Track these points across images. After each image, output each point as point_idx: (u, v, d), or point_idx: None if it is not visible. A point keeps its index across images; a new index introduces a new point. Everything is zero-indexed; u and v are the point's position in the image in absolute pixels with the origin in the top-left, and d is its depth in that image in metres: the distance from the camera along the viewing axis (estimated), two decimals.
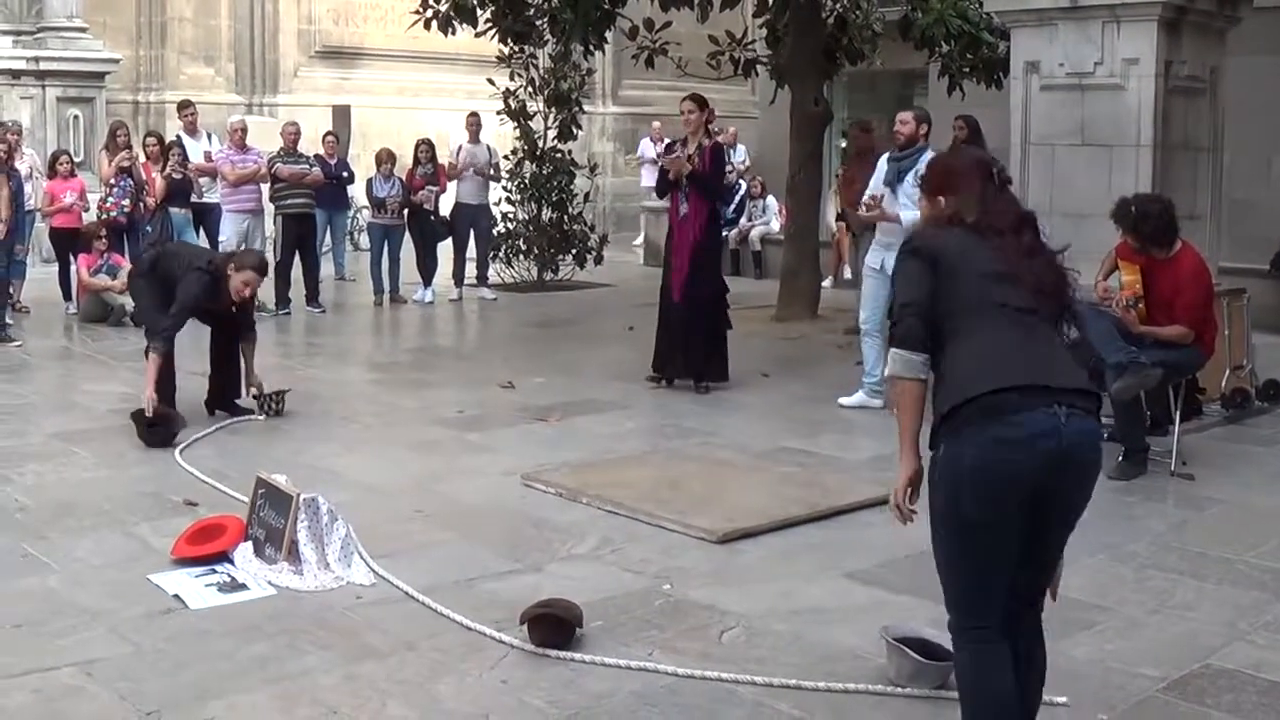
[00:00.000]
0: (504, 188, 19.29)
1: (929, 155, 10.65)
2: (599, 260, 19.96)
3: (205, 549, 6.89)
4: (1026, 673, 4.49)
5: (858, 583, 6.74)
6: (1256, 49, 14.84)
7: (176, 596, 6.40)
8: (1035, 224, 4.63)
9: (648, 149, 25.23)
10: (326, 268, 19.18)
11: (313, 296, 16.72)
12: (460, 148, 18.40)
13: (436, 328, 16.35)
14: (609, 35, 16.88)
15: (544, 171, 19.52)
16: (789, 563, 7.05)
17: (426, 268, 17.85)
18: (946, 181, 4.70)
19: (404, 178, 17.91)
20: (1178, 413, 9.27)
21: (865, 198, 11.12)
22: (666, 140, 16.99)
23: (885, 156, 11.27)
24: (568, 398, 11.29)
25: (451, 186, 18.33)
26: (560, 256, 19.72)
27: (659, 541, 7.35)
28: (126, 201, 15.96)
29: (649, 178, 21.89)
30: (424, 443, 9.76)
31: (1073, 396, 4.32)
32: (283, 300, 16.32)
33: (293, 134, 17.31)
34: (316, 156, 17.99)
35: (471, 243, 18.34)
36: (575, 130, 19.93)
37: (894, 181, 10.84)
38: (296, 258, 16.65)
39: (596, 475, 8.56)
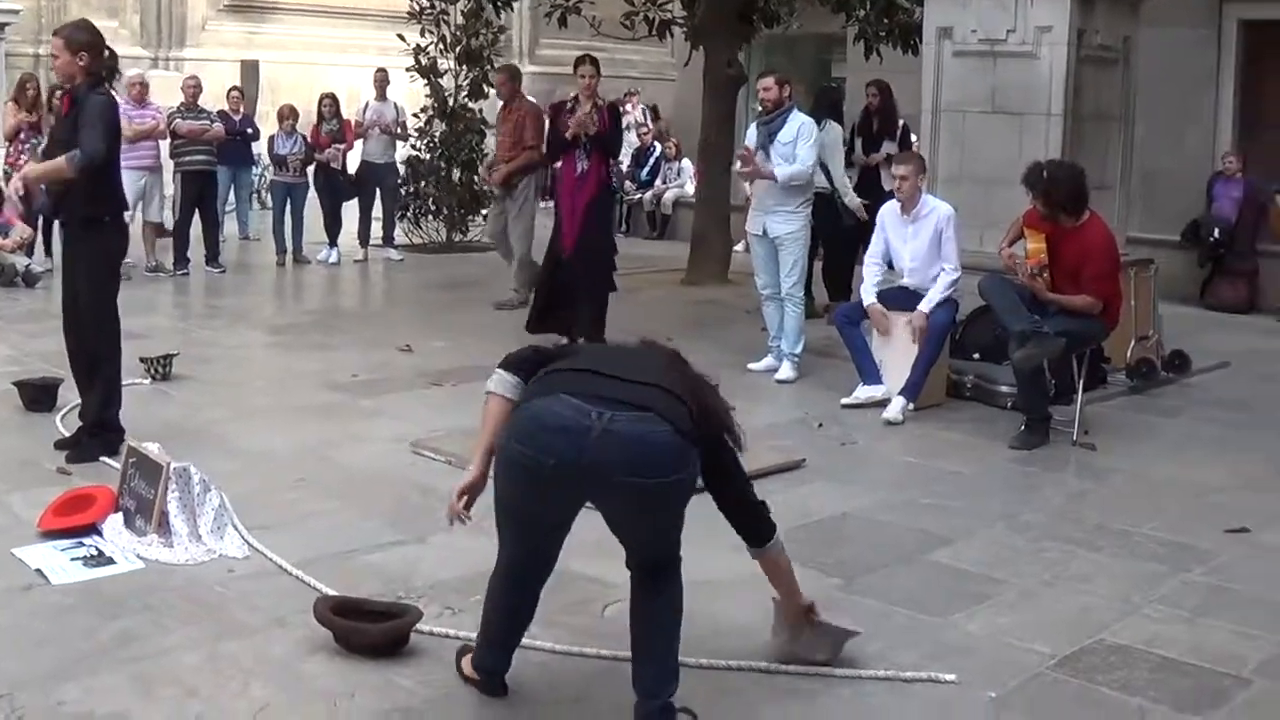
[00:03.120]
0: (413, 146, 18.97)
1: (796, 114, 10.57)
2: None
3: (73, 520, 6.60)
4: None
5: (744, 554, 6.56)
6: (1170, 20, 14.78)
7: (39, 571, 6.13)
8: None
9: None
10: (231, 226, 18.89)
11: (213, 256, 16.31)
12: (367, 105, 18.10)
13: (339, 289, 16.05)
14: None
15: (455, 130, 19.21)
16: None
17: (332, 227, 17.50)
18: None
19: (309, 135, 17.56)
20: (1081, 382, 9.17)
21: (739, 152, 10.97)
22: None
23: (753, 126, 11.13)
24: (467, 361, 11.04)
25: (358, 144, 17.98)
26: (470, 217, 19.40)
27: None
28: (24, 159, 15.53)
29: None
30: (316, 408, 9.52)
31: (639, 395, 4.52)
32: (181, 260, 15.90)
33: (193, 88, 16.79)
34: (220, 112, 17.58)
35: (378, 202, 18.05)
36: (487, 89, 19.64)
37: (765, 144, 10.67)
38: (196, 216, 16.23)
39: None
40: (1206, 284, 15.68)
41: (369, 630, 5.32)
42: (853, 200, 13.01)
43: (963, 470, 8.26)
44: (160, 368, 10.15)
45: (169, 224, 16.20)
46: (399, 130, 18.18)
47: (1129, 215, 11.61)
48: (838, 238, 13.24)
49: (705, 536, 6.72)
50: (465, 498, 4.83)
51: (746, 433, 4.94)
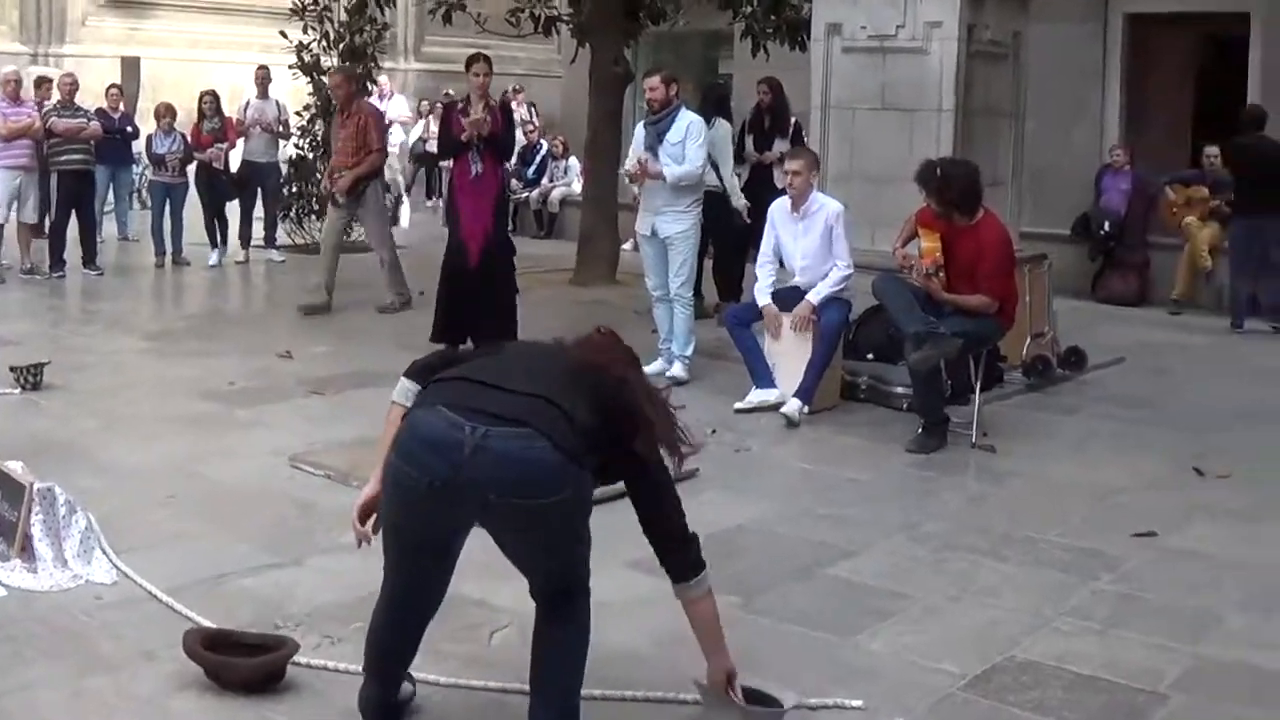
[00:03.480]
0: (295, 145, 18.56)
1: (684, 113, 10.35)
2: (394, 221, 19.32)
3: None
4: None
5: (641, 572, 6.28)
6: (1057, 15, 14.74)
7: None
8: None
9: None
10: (110, 227, 18.42)
11: (90, 258, 15.86)
12: (248, 102, 17.68)
13: (219, 292, 15.62)
14: None
15: (386, 134, 18.79)
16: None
17: (214, 228, 17.06)
18: None
19: (189, 133, 17.12)
20: (978, 383, 9.01)
21: (629, 165, 10.73)
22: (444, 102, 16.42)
23: (640, 125, 10.88)
24: (349, 368, 10.76)
25: (240, 143, 17.56)
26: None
27: None
28: None
29: None
30: (191, 419, 9.15)
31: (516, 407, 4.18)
32: (57, 262, 15.43)
33: (69, 85, 16.30)
34: (98, 110, 17.15)
35: (260, 202, 17.63)
36: (372, 86, 19.27)
37: (654, 145, 10.45)
38: (74, 217, 15.74)
39: (368, 455, 7.96)
40: (1098, 277, 15.70)
41: (241, 665, 5.00)
42: (739, 200, 12.82)
43: (860, 477, 8.06)
44: (30, 377, 9.75)
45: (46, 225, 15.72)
46: (281, 129, 17.77)
47: (1020, 211, 11.47)
48: (728, 237, 13.06)
49: (597, 553, 6.51)
50: (367, 516, 4.59)
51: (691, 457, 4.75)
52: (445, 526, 4.29)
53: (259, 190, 17.55)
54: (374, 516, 4.53)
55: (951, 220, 8.75)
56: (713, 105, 13.07)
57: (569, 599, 4.35)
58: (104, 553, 6.31)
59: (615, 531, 6.82)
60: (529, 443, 4.02)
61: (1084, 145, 16.98)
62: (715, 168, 12.40)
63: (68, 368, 10.37)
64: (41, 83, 17.06)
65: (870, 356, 10.05)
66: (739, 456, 8.49)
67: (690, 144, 10.33)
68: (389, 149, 16.48)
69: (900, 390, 9.57)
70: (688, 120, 10.42)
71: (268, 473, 7.87)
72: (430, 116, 24.23)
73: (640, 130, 10.70)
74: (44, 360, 10.00)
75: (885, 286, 8.89)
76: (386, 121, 17.78)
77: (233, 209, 17.48)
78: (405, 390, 4.52)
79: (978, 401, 8.93)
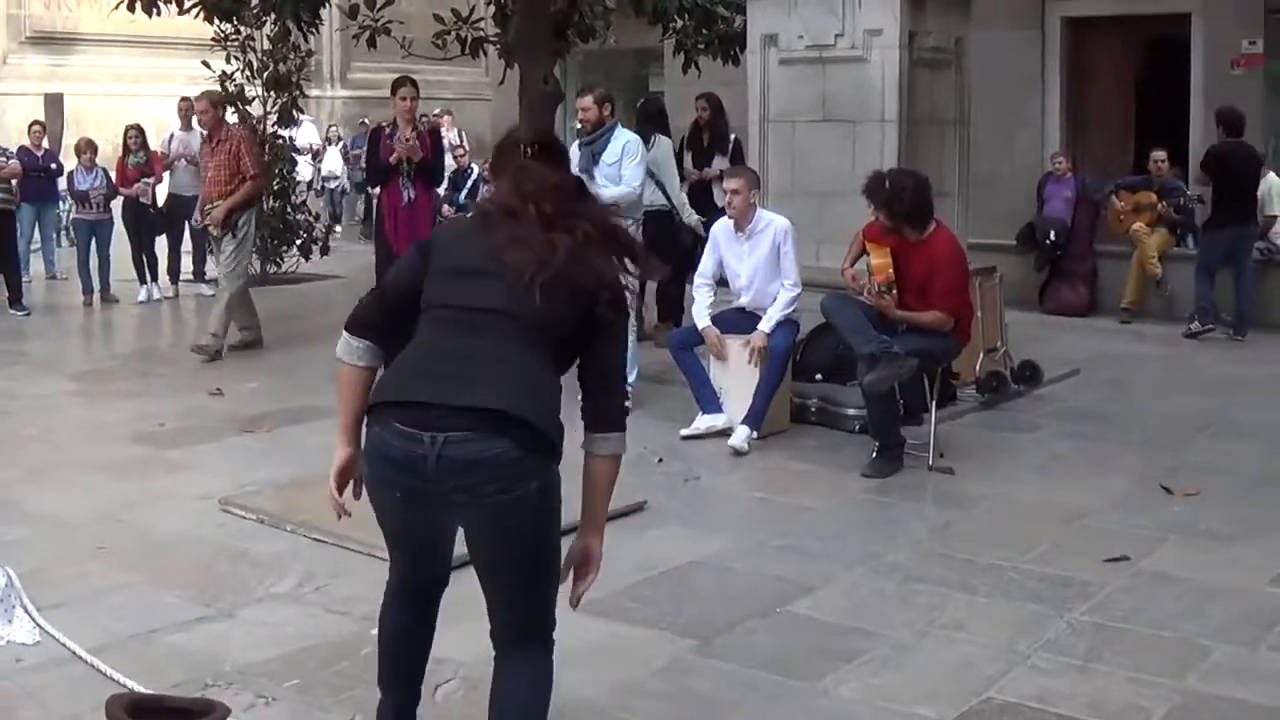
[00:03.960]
0: None
1: (619, 132, 10.02)
2: (325, 251, 18.96)
3: None
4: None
5: (590, 615, 5.90)
6: (994, 21, 14.48)
7: None
8: (564, 193, 4.05)
9: None
10: (38, 265, 17.98)
11: (15, 299, 15.43)
12: (172, 135, 17.28)
13: (149, 329, 15.17)
14: (324, 14, 15.85)
15: (264, 159, 18.38)
16: None
17: (143, 264, 16.59)
18: (494, 164, 4.36)
19: (114, 168, 16.67)
20: (933, 402, 8.69)
21: None
22: (370, 128, 16.05)
23: (575, 144, 10.50)
24: (282, 404, 10.36)
25: (166, 176, 17.16)
26: (283, 248, 18.63)
27: (371, 575, 6.38)
28: None
29: None
30: (119, 463, 8.74)
31: (473, 418, 3.83)
32: None
33: None
34: (20, 148, 16.74)
35: (187, 236, 17.19)
36: (297, 115, 18.88)
37: (589, 166, 10.10)
38: None
39: (305, 496, 7.64)
40: (1045, 288, 15.43)
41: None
42: (691, 217, 12.44)
43: (816, 505, 7.71)
44: None
45: None
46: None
47: (967, 222, 11.17)
48: (672, 256, 12.68)
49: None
50: (343, 485, 4.29)
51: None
52: (429, 528, 4.16)
53: (186, 223, 17.11)
54: (351, 483, 4.28)
55: (901, 234, 8.43)
56: (651, 121, 12.72)
57: (530, 647, 4.11)
58: (26, 611, 5.92)
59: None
60: (487, 444, 3.80)
61: (1025, 153, 16.73)
62: (660, 185, 12.16)
63: None
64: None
65: (819, 377, 9.73)
66: (688, 487, 8.13)
67: (627, 163, 10.02)
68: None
69: (852, 412, 9.24)
70: (624, 139, 10.10)
71: (199, 518, 7.49)
72: (336, 146, 23.96)
73: (575, 150, 10.33)
74: None
75: (835, 306, 8.55)
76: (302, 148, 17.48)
77: (160, 244, 17.02)
78: (350, 348, 4.21)
79: (934, 422, 8.59)
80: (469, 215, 4.24)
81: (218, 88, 17.77)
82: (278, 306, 15.97)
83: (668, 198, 12.28)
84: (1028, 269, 15.28)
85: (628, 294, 4.05)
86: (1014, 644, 5.63)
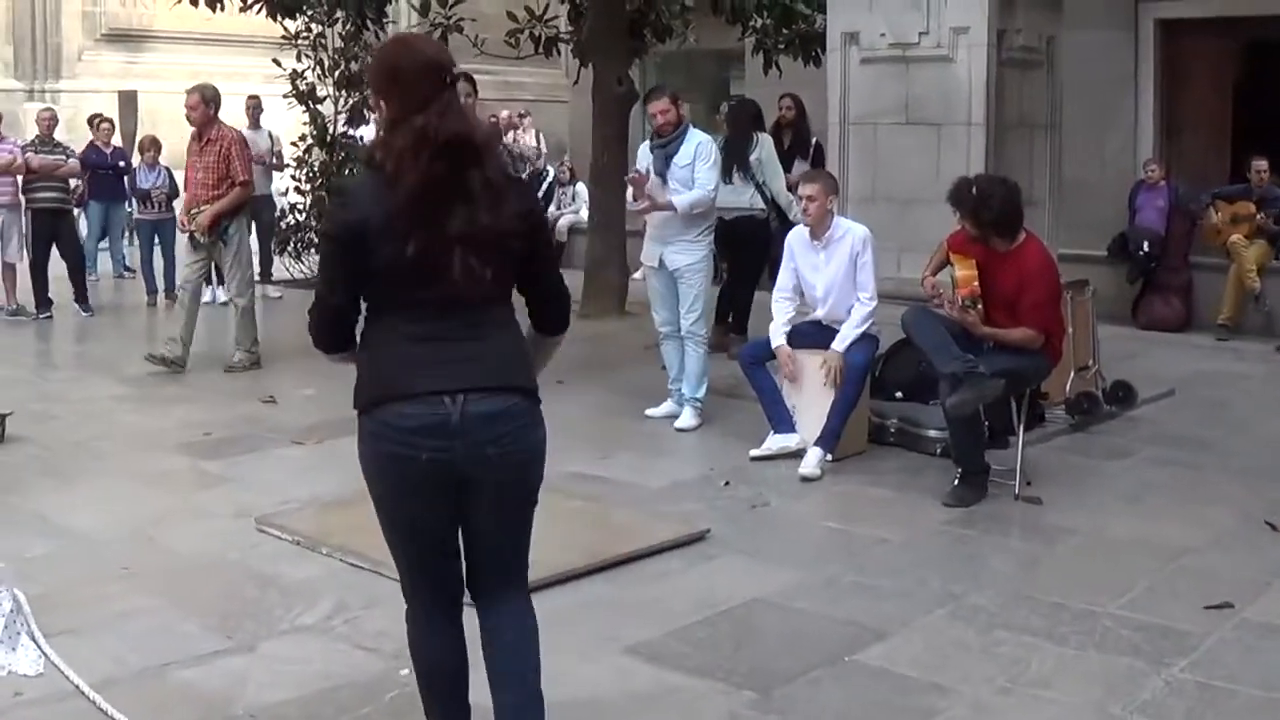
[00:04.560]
0: (292, 176, 17.77)
1: (692, 133, 9.52)
2: None
3: None
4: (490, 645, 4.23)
5: (641, 659, 5.45)
6: (1084, 21, 13.84)
7: None
8: (483, 149, 3.95)
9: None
10: (107, 264, 17.70)
11: (80, 298, 15.18)
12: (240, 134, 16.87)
13: (210, 331, 14.69)
14: (397, 11, 15.49)
15: (335, 159, 18.04)
16: (560, 632, 5.71)
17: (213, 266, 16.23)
18: (383, 82, 3.99)
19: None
20: (1021, 426, 8.12)
21: (629, 177, 9.85)
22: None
23: (644, 146, 9.98)
24: (336, 414, 9.79)
25: None
26: None
27: (404, 606, 6.01)
28: None
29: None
30: (158, 475, 8.36)
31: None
32: (42, 302, 14.76)
33: (47, 121, 15.61)
34: (89, 145, 16.50)
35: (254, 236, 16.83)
36: (368, 114, 18.48)
37: (662, 169, 9.59)
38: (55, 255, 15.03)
39: (344, 517, 7.18)
40: (1138, 301, 14.78)
41: None
42: (798, 216, 11.92)
43: (892, 537, 7.13)
44: None
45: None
46: (274, 160, 16.97)
47: (1058, 232, 10.61)
48: (759, 263, 12.18)
49: (593, 640, 5.64)
50: None
51: None
52: (445, 501, 4.03)
53: (253, 224, 16.75)
54: None
55: (989, 244, 7.85)
56: (748, 122, 12.22)
57: (521, 589, 4.29)
58: (31, 638, 5.50)
59: (619, 607, 6.03)
60: (502, 399, 3.98)
61: (1116, 159, 16.07)
62: (760, 187, 11.83)
63: (36, 417, 9.70)
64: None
65: (899, 395, 9.19)
66: (755, 514, 7.58)
67: (700, 165, 9.48)
68: None
69: (933, 434, 8.69)
70: (696, 141, 9.56)
71: (232, 537, 7.06)
72: None
73: (644, 152, 9.82)
74: (6, 411, 9.24)
75: (916, 321, 7.97)
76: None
77: None
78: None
79: (1021, 447, 8.02)
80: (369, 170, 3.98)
81: (289, 86, 17.55)
82: None
83: (766, 200, 11.82)
84: (1119, 281, 14.63)
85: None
86: (1106, 705, 5.05)
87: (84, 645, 5.52)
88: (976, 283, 7.81)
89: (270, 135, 17.11)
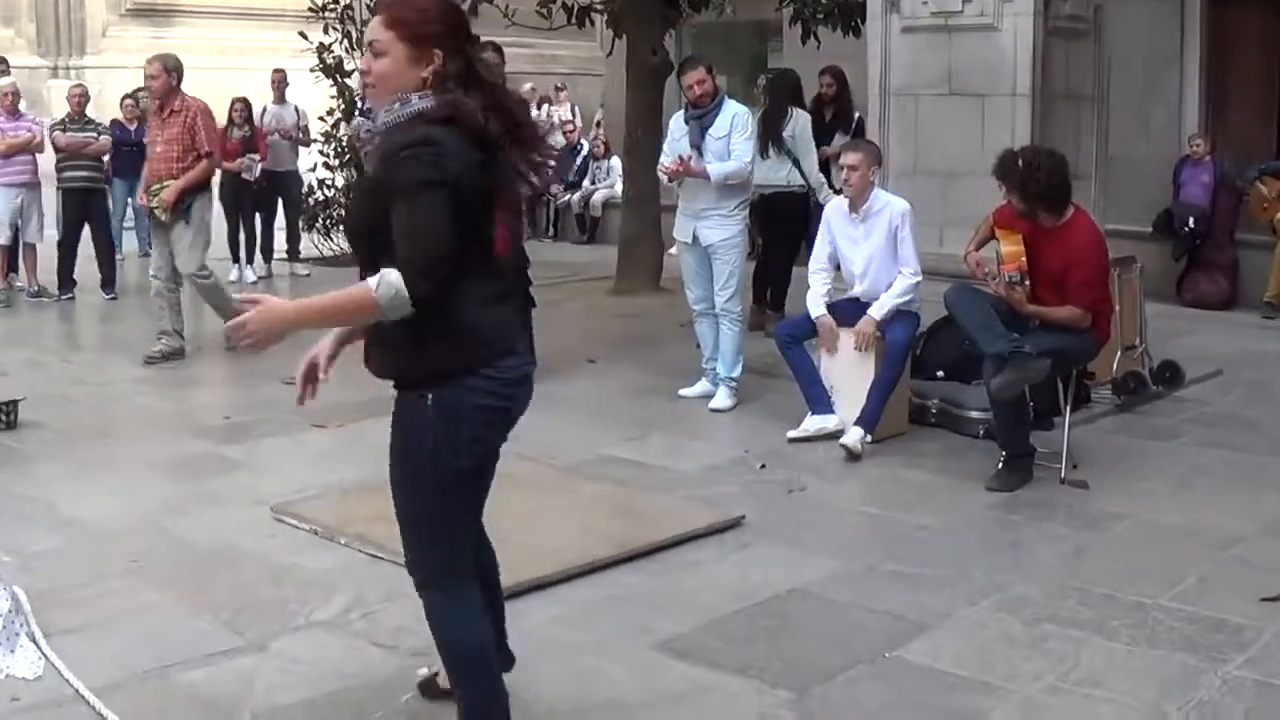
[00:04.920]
0: (320, 151, 17.49)
1: (728, 104, 9.26)
2: None
3: None
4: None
5: (671, 655, 5.19)
6: None
7: None
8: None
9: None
10: (131, 243, 17.46)
11: (107, 281, 14.83)
12: (265, 109, 16.69)
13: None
14: None
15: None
16: (584, 627, 5.51)
17: (238, 244, 16.10)
18: (450, 34, 3.96)
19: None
20: (1068, 407, 7.84)
21: (668, 162, 9.42)
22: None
23: (678, 117, 9.67)
24: (360, 395, 9.56)
25: None
26: None
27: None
28: None
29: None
30: (174, 461, 8.13)
31: None
32: (66, 283, 14.45)
33: (78, 97, 15.31)
34: (113, 122, 16.20)
35: (281, 214, 16.64)
36: None
37: (698, 141, 9.30)
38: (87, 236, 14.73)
39: (364, 505, 6.94)
40: (1182, 278, 14.42)
41: None
42: (826, 195, 11.67)
43: (934, 523, 6.85)
44: (4, 415, 8.79)
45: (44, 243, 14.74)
46: (300, 135, 16.75)
47: (1104, 207, 10.34)
48: (797, 240, 11.92)
49: (620, 634, 5.40)
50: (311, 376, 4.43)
51: None
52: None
53: (280, 201, 16.52)
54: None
55: (1036, 220, 7.56)
56: (786, 95, 11.93)
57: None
58: (31, 639, 5.26)
59: (648, 599, 5.77)
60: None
61: (1161, 133, 15.67)
62: (796, 163, 11.50)
63: (52, 401, 9.46)
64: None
65: (941, 374, 8.93)
66: (792, 499, 7.32)
67: (737, 137, 9.21)
68: None
69: (976, 415, 8.42)
70: (733, 112, 9.28)
71: (248, 527, 6.80)
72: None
73: (678, 123, 9.54)
74: (19, 396, 9.03)
75: (959, 299, 7.68)
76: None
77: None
78: (393, 301, 3.73)
79: (1067, 430, 7.74)
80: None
81: (316, 60, 17.29)
82: None
83: (804, 176, 11.54)
84: (1165, 258, 14.28)
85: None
86: (1160, 704, 4.78)
87: (87, 645, 5.28)
88: (1024, 259, 7.52)
89: (297, 110, 16.86)
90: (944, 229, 9.39)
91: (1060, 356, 7.41)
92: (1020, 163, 7.49)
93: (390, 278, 3.66)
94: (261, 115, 16.57)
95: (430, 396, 3.87)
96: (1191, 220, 14.33)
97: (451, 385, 3.86)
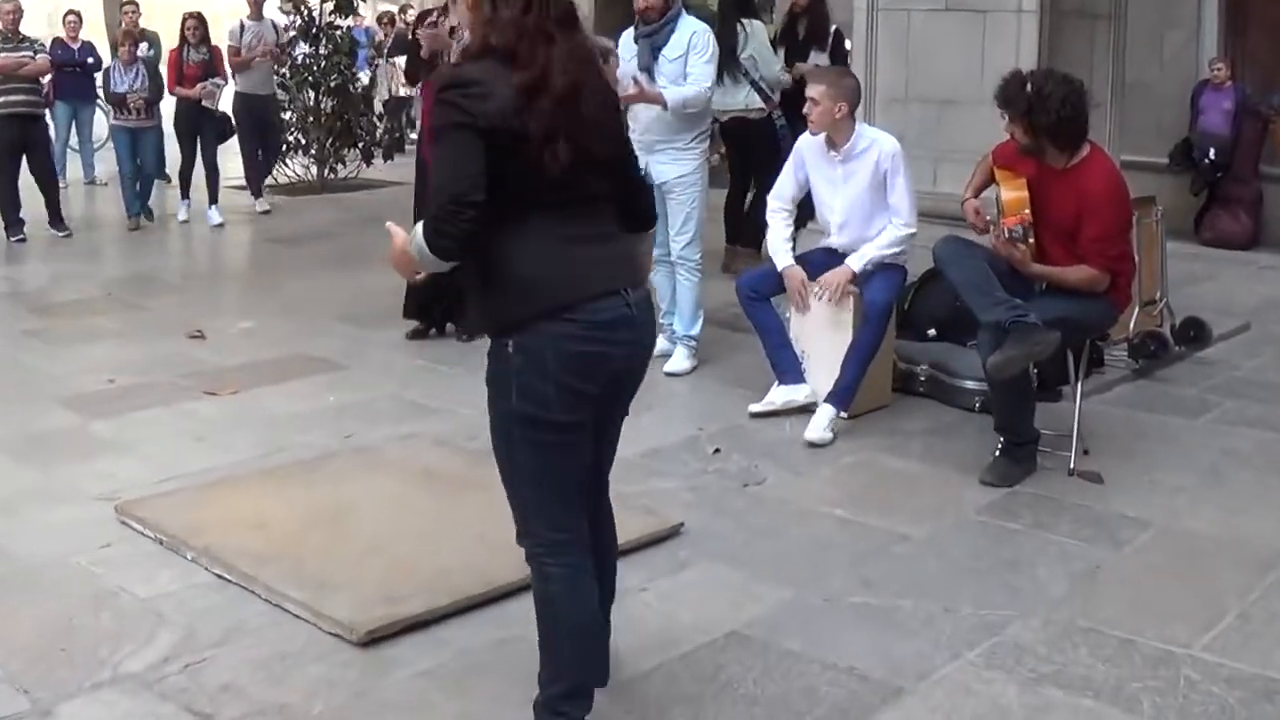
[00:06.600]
0: (278, 73, 16.24)
1: (685, 21, 8.08)
2: (389, 155, 17.32)
3: None
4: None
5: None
6: None
7: None
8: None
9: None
10: (76, 170, 16.33)
11: (54, 217, 13.68)
12: (242, 26, 15.33)
13: (163, 253, 13.23)
14: None
15: (321, 53, 16.62)
16: (459, 687, 4.35)
17: (190, 178, 14.74)
18: None
19: (168, 64, 14.78)
20: (1079, 383, 6.66)
21: (624, 84, 8.20)
22: (416, 10, 14.25)
23: (627, 35, 8.51)
24: (271, 352, 8.64)
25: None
26: (343, 151, 16.95)
27: (269, 642, 4.60)
28: None
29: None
30: (30, 439, 7.06)
31: None
32: (13, 223, 13.32)
33: (11, 13, 13.82)
34: (55, 40, 15.18)
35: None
36: (357, 2, 17.14)
37: (649, 64, 8.19)
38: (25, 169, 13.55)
39: (224, 503, 5.85)
40: (1202, 215, 13.31)
41: None
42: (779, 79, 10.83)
43: (915, 532, 5.66)
44: None
45: None
46: (279, 53, 15.76)
47: (1120, 140, 9.21)
48: (773, 168, 10.79)
49: (511, 687, 4.23)
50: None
51: None
52: (604, 409, 3.96)
53: (258, 128, 15.29)
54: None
55: (1043, 158, 6.30)
56: (734, 8, 10.75)
57: (605, 494, 4.31)
58: None
59: (532, 652, 4.51)
60: (646, 294, 3.99)
61: (1177, 57, 14.59)
62: (755, 84, 10.57)
63: None
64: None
65: (932, 333, 7.81)
66: (746, 495, 6.14)
67: (694, 59, 8.06)
68: None
69: (971, 385, 7.29)
70: (690, 30, 8.12)
71: (84, 532, 5.69)
72: None
73: (627, 43, 8.34)
74: None
75: (951, 254, 6.40)
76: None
77: (223, 154, 15.12)
78: (421, 254, 3.67)
79: (1078, 410, 6.53)
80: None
81: None
82: (322, 220, 14.42)
83: (765, 95, 10.42)
84: (1182, 192, 13.16)
85: None
86: None
87: None
88: (1028, 209, 6.28)
89: (274, 26, 15.70)
90: (938, 164, 8.39)
91: (1071, 327, 6.18)
92: (1028, 88, 6.20)
93: (417, 231, 3.63)
94: (239, 32, 15.28)
95: (511, 344, 3.73)
96: (1212, 151, 13.38)
97: (530, 332, 3.70)
